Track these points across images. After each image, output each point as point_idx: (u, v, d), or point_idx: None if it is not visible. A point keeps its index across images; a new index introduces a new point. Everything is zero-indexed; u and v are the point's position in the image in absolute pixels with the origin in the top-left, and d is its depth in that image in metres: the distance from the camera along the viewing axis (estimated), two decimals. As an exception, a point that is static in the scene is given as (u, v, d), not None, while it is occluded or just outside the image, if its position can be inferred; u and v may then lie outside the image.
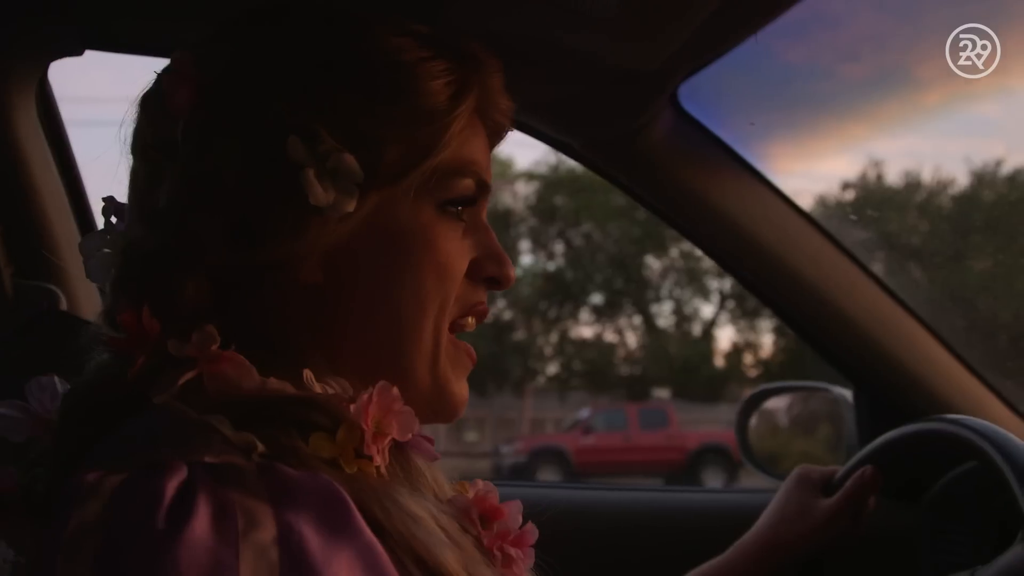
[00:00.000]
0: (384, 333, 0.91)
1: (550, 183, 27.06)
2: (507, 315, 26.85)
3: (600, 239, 27.69)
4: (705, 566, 1.50)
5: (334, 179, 0.84)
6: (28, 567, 0.74)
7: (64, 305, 1.61)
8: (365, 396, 0.81)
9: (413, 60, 0.90)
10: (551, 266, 28.16)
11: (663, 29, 1.33)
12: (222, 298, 0.85)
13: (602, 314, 28.39)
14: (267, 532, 0.67)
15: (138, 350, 0.80)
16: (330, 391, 0.84)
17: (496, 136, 1.04)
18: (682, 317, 28.52)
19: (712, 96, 1.67)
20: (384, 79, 0.89)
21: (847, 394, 1.97)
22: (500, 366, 25.98)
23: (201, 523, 0.66)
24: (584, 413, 22.65)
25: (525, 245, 27.69)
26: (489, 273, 0.98)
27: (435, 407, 0.96)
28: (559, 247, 28.19)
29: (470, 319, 0.99)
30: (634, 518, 1.97)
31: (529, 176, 27.23)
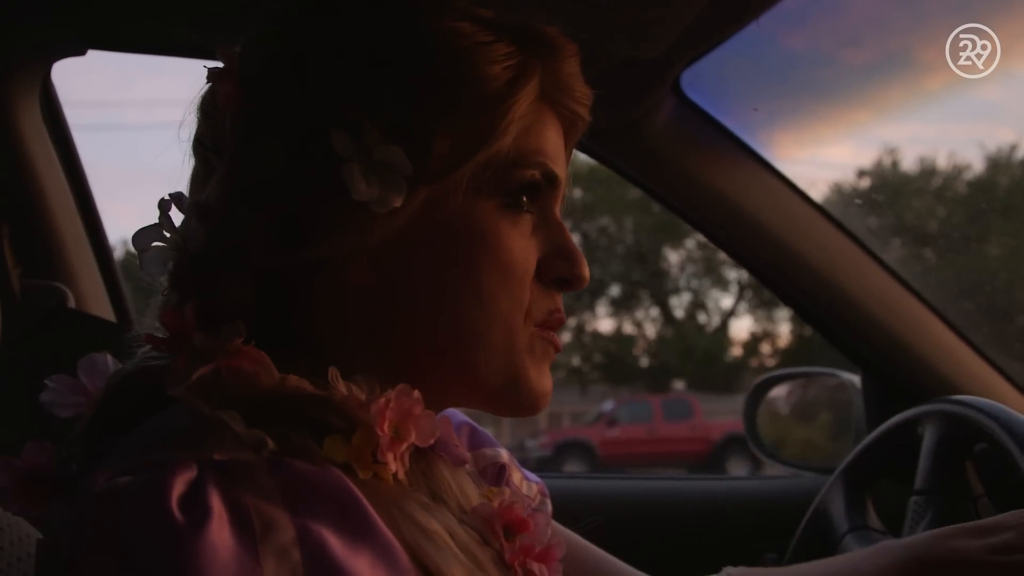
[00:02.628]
0: (449, 334, 0.86)
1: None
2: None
3: (617, 231, 27.64)
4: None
5: (380, 173, 0.80)
6: (42, 561, 0.73)
7: (72, 303, 1.63)
8: (382, 400, 0.77)
9: (468, 45, 0.85)
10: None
11: (663, 16, 1.33)
12: (268, 298, 0.82)
13: (620, 306, 28.34)
14: (285, 534, 0.66)
15: (178, 349, 0.78)
16: (355, 390, 0.79)
17: (572, 127, 0.96)
18: (700, 308, 28.46)
19: (715, 83, 1.67)
20: (434, 66, 0.84)
21: (855, 379, 1.97)
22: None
23: (219, 525, 0.64)
24: (608, 405, 22.55)
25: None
26: (559, 272, 0.91)
27: (512, 402, 0.91)
28: (576, 239, 28.15)
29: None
30: (660, 506, 1.98)
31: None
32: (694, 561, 1.44)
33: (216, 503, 0.66)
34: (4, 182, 1.63)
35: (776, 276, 1.84)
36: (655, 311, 28.60)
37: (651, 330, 28.96)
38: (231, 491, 0.67)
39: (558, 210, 0.93)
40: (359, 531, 0.69)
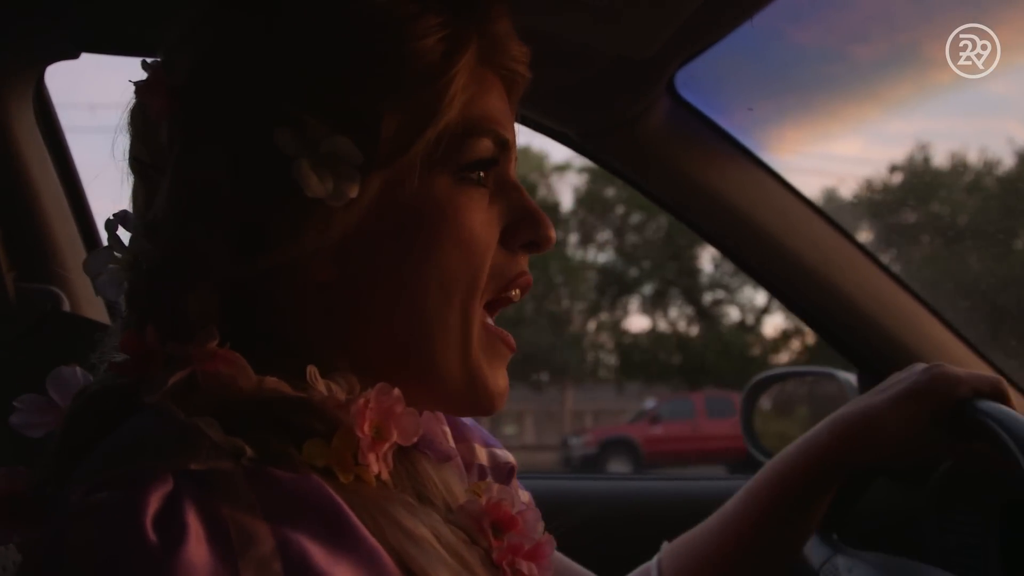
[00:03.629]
0: (407, 325, 0.84)
1: (598, 175, 27.06)
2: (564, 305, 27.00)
3: (649, 229, 27.65)
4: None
5: (330, 166, 0.78)
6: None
7: (66, 306, 1.63)
8: (362, 400, 0.76)
9: (399, 20, 0.82)
10: (602, 257, 28.21)
11: (657, 16, 1.32)
12: (231, 307, 0.80)
13: (653, 304, 28.34)
14: (265, 546, 0.65)
15: (142, 370, 0.76)
16: (335, 388, 0.78)
17: (513, 84, 0.93)
18: (733, 305, 28.42)
19: (710, 82, 1.66)
20: (367, 48, 0.81)
21: (851, 378, 1.95)
22: (545, 359, 25.96)
23: (196, 543, 0.63)
24: (651, 403, 22.56)
25: (574, 238, 27.71)
26: (525, 238, 0.90)
27: (471, 400, 0.89)
28: (610, 238, 28.21)
29: (514, 292, 0.91)
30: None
31: (573, 168, 27.30)
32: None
33: (192, 519, 0.64)
34: (-3, 186, 1.64)
35: (770, 274, 1.82)
36: (689, 309, 28.58)
37: (684, 327, 28.95)
38: (208, 504, 0.66)
39: (513, 172, 0.92)
40: (341, 539, 0.68)
